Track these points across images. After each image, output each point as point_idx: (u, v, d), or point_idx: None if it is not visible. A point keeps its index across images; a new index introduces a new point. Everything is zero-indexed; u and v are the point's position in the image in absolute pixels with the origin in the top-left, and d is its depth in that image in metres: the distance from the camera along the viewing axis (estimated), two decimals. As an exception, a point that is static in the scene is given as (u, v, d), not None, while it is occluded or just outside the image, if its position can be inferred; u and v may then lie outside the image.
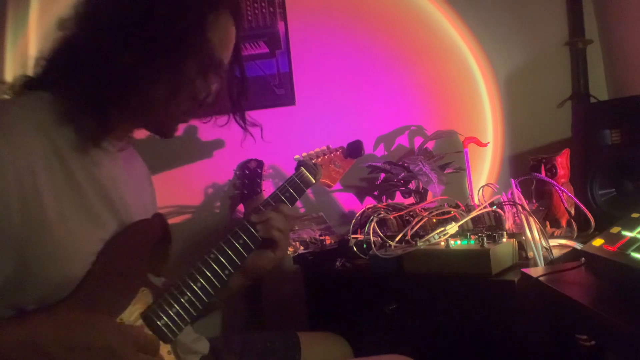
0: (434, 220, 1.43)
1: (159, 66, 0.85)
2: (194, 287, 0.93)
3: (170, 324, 0.89)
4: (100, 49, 0.83)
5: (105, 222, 0.88)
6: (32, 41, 1.95)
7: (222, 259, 0.98)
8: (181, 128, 1.05)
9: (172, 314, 0.90)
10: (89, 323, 0.78)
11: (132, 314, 0.86)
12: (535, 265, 1.21)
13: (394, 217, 1.55)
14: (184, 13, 0.86)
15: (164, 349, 0.89)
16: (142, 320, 0.87)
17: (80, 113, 0.83)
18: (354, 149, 1.34)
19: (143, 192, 1.06)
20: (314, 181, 1.19)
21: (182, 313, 0.91)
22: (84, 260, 0.83)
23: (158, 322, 0.88)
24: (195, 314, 0.93)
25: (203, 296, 0.93)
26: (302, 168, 1.18)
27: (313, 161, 1.25)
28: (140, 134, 1.03)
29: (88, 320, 0.79)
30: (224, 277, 0.97)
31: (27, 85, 0.88)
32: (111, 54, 0.82)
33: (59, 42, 0.88)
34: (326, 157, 1.30)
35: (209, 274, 0.95)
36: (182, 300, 0.91)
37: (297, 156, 1.25)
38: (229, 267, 0.98)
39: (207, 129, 1.97)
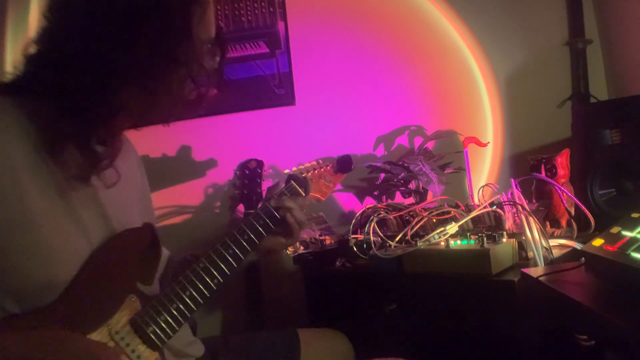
0: (434, 220, 1.43)
1: (155, 72, 0.84)
2: (183, 295, 0.92)
3: (159, 331, 0.88)
4: (81, 53, 0.81)
5: (90, 226, 0.86)
6: (32, 41, 1.95)
7: (211, 269, 0.97)
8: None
9: (160, 321, 0.89)
10: (58, 341, 0.76)
11: (119, 321, 0.85)
12: (535, 265, 1.21)
13: (394, 217, 1.55)
14: (171, 14, 0.84)
15: (152, 356, 0.87)
16: (130, 327, 0.86)
17: (63, 117, 0.82)
18: (343, 164, 1.37)
19: (133, 189, 1.04)
20: (304, 195, 1.20)
21: (171, 321, 0.90)
22: (68, 264, 0.82)
23: (146, 329, 0.87)
24: (183, 322, 0.92)
25: (192, 305, 0.93)
26: (293, 182, 1.19)
27: (303, 175, 1.26)
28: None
29: (58, 338, 0.76)
30: (212, 286, 0.96)
31: (11, 88, 0.86)
32: (93, 58, 0.81)
33: (37, 46, 0.86)
34: (316, 171, 1.32)
35: (198, 283, 0.95)
36: (171, 308, 0.90)
37: (287, 170, 1.28)
38: (218, 277, 0.97)
39: (206, 128, 1.98)
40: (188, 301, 0.92)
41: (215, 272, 0.97)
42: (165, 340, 0.89)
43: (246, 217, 1.74)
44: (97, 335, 0.82)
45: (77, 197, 0.85)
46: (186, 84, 0.90)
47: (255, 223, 1.07)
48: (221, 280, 0.97)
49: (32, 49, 0.86)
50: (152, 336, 0.87)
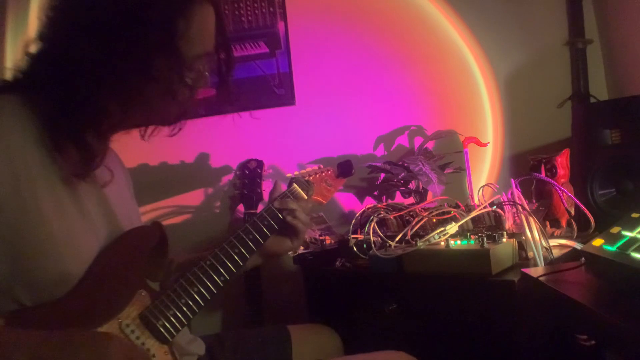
0: (434, 220, 1.43)
1: (132, 81, 0.84)
2: (191, 291, 0.95)
3: (168, 325, 0.91)
4: (74, 55, 0.82)
5: (98, 221, 0.89)
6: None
7: (218, 266, 1.00)
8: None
9: (169, 315, 0.91)
10: (67, 339, 0.76)
11: (129, 314, 0.88)
12: (535, 265, 1.21)
13: (394, 217, 1.55)
14: (160, 16, 0.84)
15: (161, 349, 0.90)
16: (140, 320, 0.88)
17: (60, 127, 0.83)
18: (344, 169, 1.40)
19: (125, 192, 1.07)
20: (306, 197, 1.22)
21: (180, 315, 0.93)
22: (79, 259, 0.84)
23: (156, 323, 0.90)
24: (192, 317, 0.94)
25: (200, 300, 0.96)
26: (295, 184, 1.21)
27: (305, 179, 1.29)
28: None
29: (66, 336, 0.77)
30: (220, 283, 0.99)
31: (12, 86, 0.87)
32: (81, 69, 0.81)
33: (31, 55, 0.87)
34: (318, 176, 1.35)
35: (205, 280, 0.97)
36: (180, 303, 0.93)
37: (289, 174, 1.30)
38: (224, 274, 1.00)
39: (206, 129, 1.98)
40: (196, 297, 0.95)
41: (221, 270, 1.00)
42: (175, 333, 0.92)
43: (247, 216, 1.76)
44: (108, 328, 0.84)
45: (84, 193, 0.87)
46: (166, 97, 0.90)
47: (259, 224, 1.09)
48: (227, 278, 1.00)
49: (34, 47, 0.87)
50: (162, 330, 0.90)
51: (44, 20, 0.87)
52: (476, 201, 1.60)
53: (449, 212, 1.41)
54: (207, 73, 0.96)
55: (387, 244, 1.40)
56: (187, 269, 1.01)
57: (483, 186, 1.60)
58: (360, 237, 1.52)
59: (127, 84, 0.84)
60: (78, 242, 0.84)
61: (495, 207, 1.40)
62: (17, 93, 0.85)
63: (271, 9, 2.00)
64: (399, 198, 1.88)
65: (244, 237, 1.06)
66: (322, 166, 1.39)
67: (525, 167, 1.66)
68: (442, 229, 1.31)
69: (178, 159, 2.00)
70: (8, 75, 0.87)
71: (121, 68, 0.82)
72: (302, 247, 1.68)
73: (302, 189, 1.21)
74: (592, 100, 1.86)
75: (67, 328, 0.79)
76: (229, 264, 1.01)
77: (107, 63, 0.82)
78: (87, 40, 0.81)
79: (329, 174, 1.38)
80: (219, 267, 1.00)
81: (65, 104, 0.82)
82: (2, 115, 0.80)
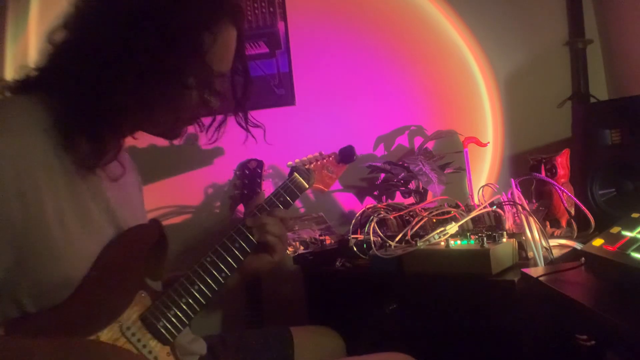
0: (434, 220, 1.43)
1: (155, 82, 0.84)
2: (192, 290, 0.94)
3: (169, 326, 0.90)
4: (95, 58, 0.82)
5: (101, 225, 0.89)
6: (32, 41, 1.95)
7: (218, 263, 0.99)
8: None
9: (170, 316, 0.91)
10: (84, 349, 0.77)
11: (130, 317, 0.87)
12: (535, 265, 1.21)
13: (394, 217, 1.55)
14: (184, 29, 0.85)
15: (163, 350, 0.89)
16: (141, 322, 0.88)
17: (75, 120, 0.83)
18: (346, 155, 1.37)
19: (133, 195, 1.07)
20: (307, 186, 1.21)
21: (181, 315, 0.92)
22: (82, 262, 0.83)
23: (157, 324, 0.89)
24: (193, 316, 0.94)
25: (201, 299, 0.95)
26: (295, 173, 1.20)
27: (306, 167, 1.27)
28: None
29: (84, 346, 0.78)
30: (221, 280, 0.98)
31: (24, 86, 0.87)
32: (107, 65, 0.81)
33: (55, 46, 0.87)
34: (319, 162, 1.33)
35: (206, 277, 0.97)
36: (180, 302, 0.93)
37: (290, 162, 1.28)
38: (225, 270, 1.00)
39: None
40: (197, 295, 0.95)
41: (222, 266, 0.99)
42: (176, 334, 0.91)
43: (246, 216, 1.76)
44: (109, 332, 0.83)
45: (88, 194, 0.87)
46: (192, 104, 0.92)
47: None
48: (228, 274, 1.00)
49: (59, 37, 0.87)
50: (163, 331, 0.89)
51: (71, 9, 0.87)
52: (476, 201, 1.60)
53: (449, 212, 1.41)
54: (219, 92, 0.97)
55: (387, 244, 1.40)
56: (188, 268, 1.01)
57: (483, 186, 1.60)
58: (360, 237, 1.52)
59: (150, 86, 0.84)
60: (80, 247, 0.83)
61: (495, 207, 1.40)
62: (29, 92, 0.85)
63: (271, 9, 2.00)
64: (399, 198, 1.88)
65: (245, 230, 1.05)
66: (322, 152, 1.36)
67: (525, 167, 1.66)
68: (442, 229, 1.31)
69: (178, 159, 2.00)
70: (23, 73, 0.88)
71: (146, 69, 0.83)
72: (302, 247, 1.68)
73: (303, 178, 1.20)
74: (592, 100, 1.86)
75: (69, 334, 0.79)
76: (230, 260, 1.00)
77: (133, 62, 0.82)
78: (115, 37, 0.82)
79: (330, 161, 1.35)
80: (220, 263, 0.99)
81: (87, 96, 0.82)
82: (10, 118, 0.80)
